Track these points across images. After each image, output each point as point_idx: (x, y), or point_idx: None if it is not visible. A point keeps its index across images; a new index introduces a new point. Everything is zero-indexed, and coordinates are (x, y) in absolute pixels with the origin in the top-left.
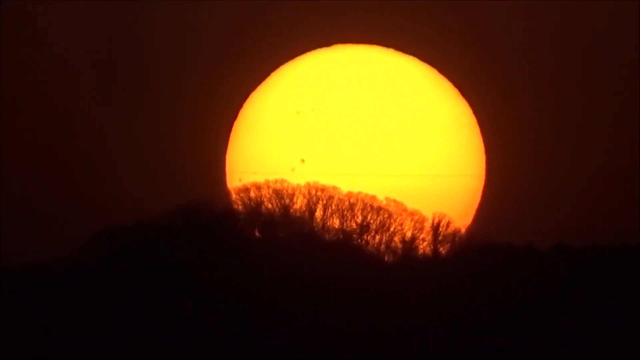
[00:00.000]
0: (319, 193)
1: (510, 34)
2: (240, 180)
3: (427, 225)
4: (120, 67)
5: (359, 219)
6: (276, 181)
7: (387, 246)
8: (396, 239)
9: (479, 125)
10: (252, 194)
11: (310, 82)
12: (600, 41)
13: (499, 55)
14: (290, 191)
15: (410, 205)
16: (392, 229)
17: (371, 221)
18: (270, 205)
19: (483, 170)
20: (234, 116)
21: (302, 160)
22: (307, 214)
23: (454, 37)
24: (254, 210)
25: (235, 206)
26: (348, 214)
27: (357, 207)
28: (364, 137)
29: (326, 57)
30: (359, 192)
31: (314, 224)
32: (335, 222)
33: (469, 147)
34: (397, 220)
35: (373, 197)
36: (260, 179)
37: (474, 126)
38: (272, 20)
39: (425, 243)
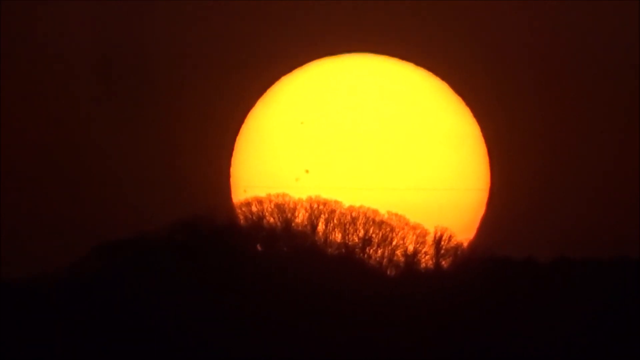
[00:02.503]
0: (321, 207)
1: (517, 46)
2: (245, 191)
3: (429, 239)
4: (122, 78)
5: (361, 233)
6: (278, 195)
7: (390, 260)
8: (398, 252)
9: (484, 139)
10: (254, 208)
11: (314, 92)
12: (606, 51)
13: (505, 67)
14: (292, 205)
15: (414, 219)
16: (394, 242)
17: (373, 235)
18: (272, 220)
19: (487, 183)
20: (237, 127)
21: (307, 171)
22: (309, 227)
23: (460, 48)
24: (256, 224)
25: (237, 220)
26: (350, 228)
27: (359, 221)
28: (366, 149)
29: (329, 66)
30: (361, 206)
31: (316, 238)
32: (338, 236)
33: (473, 161)
34: (399, 234)
35: (375, 211)
36: (264, 190)
37: (479, 140)
38: (275, 30)
39: (427, 257)
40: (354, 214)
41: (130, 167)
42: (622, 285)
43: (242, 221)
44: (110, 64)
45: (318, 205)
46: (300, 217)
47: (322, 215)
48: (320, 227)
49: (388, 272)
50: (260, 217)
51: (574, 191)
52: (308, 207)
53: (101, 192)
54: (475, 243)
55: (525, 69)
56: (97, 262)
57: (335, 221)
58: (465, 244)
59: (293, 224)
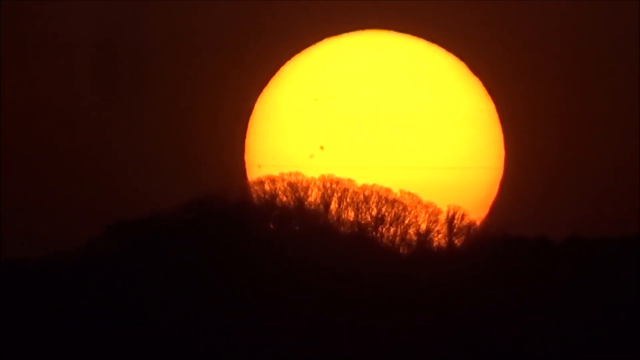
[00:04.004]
0: (333, 186)
1: (532, 25)
2: (259, 167)
3: (442, 217)
4: (133, 58)
5: (374, 212)
6: (291, 174)
7: (402, 238)
8: (411, 231)
9: (499, 117)
10: (267, 187)
11: (329, 69)
12: (624, 34)
13: (522, 46)
14: (304, 184)
15: (427, 197)
16: (406, 221)
17: (386, 214)
18: (285, 198)
19: (501, 162)
20: (251, 105)
21: (321, 147)
22: (321, 206)
23: (476, 25)
24: (269, 203)
25: (250, 199)
26: (363, 207)
27: (372, 199)
28: (381, 127)
29: (344, 44)
30: (374, 185)
31: (329, 217)
32: (350, 215)
33: (488, 139)
34: (412, 212)
35: (388, 190)
36: (278, 168)
37: (493, 118)
38: (292, 5)
39: (440, 235)
40: (366, 193)
41: (144, 145)
42: (637, 264)
43: (255, 200)
44: (117, 43)
45: (331, 184)
46: (313, 196)
47: (335, 194)
48: (333, 205)
49: (400, 251)
50: (273, 196)
51: (589, 170)
52: (321, 186)
53: (115, 172)
54: (488, 222)
55: (543, 48)
56: (111, 241)
57: (348, 200)
58: (478, 223)
59: (306, 203)
